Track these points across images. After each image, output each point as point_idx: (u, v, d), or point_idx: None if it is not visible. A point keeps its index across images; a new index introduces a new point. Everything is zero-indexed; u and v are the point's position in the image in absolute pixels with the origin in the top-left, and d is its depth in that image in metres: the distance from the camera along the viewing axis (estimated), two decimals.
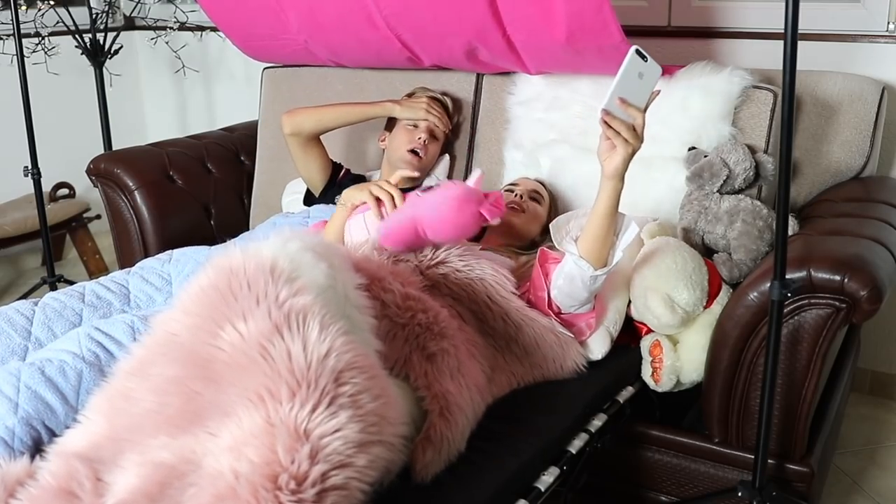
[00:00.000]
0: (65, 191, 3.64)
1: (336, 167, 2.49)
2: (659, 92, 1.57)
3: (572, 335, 1.77)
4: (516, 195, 2.11)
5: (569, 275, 1.68)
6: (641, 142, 1.56)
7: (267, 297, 1.20)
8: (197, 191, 2.74)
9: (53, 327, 1.76)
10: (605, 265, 1.66)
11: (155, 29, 3.70)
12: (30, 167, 2.96)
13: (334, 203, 2.32)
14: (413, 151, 2.32)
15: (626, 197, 2.10)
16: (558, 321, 1.76)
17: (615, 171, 1.58)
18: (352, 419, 1.10)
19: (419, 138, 2.33)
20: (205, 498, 1.05)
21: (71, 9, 3.39)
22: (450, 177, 2.53)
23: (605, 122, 1.52)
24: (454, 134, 2.56)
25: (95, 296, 1.90)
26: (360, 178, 2.46)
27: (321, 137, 2.45)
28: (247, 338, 1.17)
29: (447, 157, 2.53)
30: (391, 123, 2.44)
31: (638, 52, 1.50)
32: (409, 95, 2.46)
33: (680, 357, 1.87)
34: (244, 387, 1.13)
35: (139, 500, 1.09)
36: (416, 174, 2.29)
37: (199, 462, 1.11)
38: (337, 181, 2.44)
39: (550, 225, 1.78)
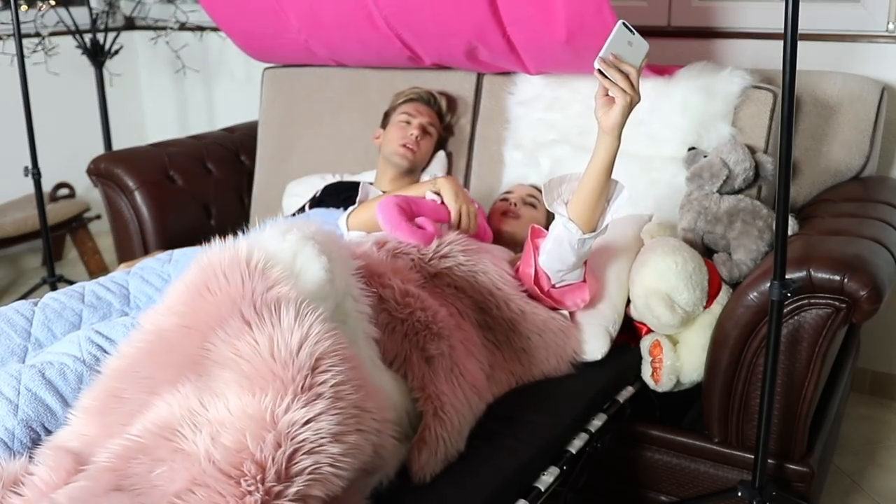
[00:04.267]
0: (65, 191, 3.64)
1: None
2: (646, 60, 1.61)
3: (571, 322, 1.79)
4: (511, 203, 2.13)
5: (557, 238, 1.71)
6: (638, 96, 1.58)
7: (243, 294, 1.21)
8: (197, 191, 2.74)
9: (53, 328, 1.75)
10: (594, 230, 1.68)
11: (155, 29, 3.70)
12: (30, 167, 2.96)
13: (336, 206, 2.33)
14: (405, 147, 2.34)
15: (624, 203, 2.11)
16: (547, 301, 1.78)
17: (614, 123, 1.59)
18: (328, 408, 1.10)
19: (411, 134, 2.34)
20: (180, 482, 1.05)
21: (71, 9, 3.39)
22: (449, 174, 2.53)
23: (601, 74, 1.54)
24: (454, 133, 2.56)
25: (95, 296, 1.90)
26: (340, 185, 2.45)
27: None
28: (223, 338, 1.18)
29: (443, 153, 2.53)
30: (385, 121, 2.46)
31: (625, 24, 1.54)
32: (398, 95, 2.46)
33: (680, 357, 1.87)
34: (226, 379, 1.14)
35: (102, 474, 1.10)
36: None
37: (173, 428, 1.10)
38: (317, 197, 2.44)
39: (543, 185, 1.79)
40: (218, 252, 1.29)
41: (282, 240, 1.30)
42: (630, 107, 1.58)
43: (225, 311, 1.20)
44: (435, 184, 1.96)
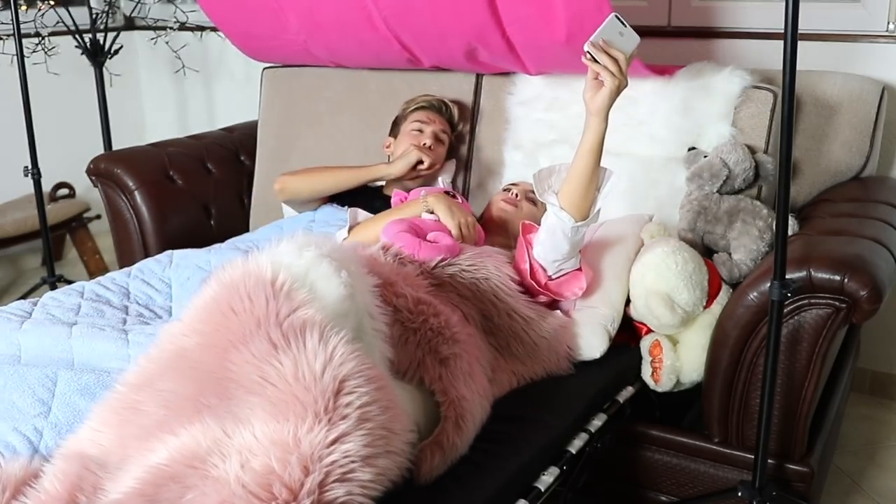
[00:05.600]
0: (65, 191, 3.64)
1: None
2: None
3: (570, 321, 1.80)
4: (513, 193, 2.14)
5: (550, 227, 1.73)
6: (626, 80, 1.62)
7: (267, 315, 1.21)
8: (197, 191, 2.73)
9: (53, 312, 1.77)
10: (585, 217, 1.70)
11: (155, 29, 3.70)
12: (30, 167, 2.96)
13: (342, 205, 2.33)
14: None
15: (626, 197, 2.11)
16: (546, 294, 1.78)
17: (601, 105, 1.63)
18: (354, 429, 1.10)
19: (424, 144, 2.28)
20: None
21: (71, 9, 3.39)
22: (454, 181, 2.50)
23: (591, 58, 1.58)
24: (464, 140, 2.54)
25: (94, 294, 1.91)
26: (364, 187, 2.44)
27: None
28: (248, 359, 1.18)
29: (453, 161, 2.50)
30: (395, 129, 2.43)
31: (617, 16, 1.59)
32: (409, 102, 2.45)
33: (680, 357, 1.87)
34: (252, 404, 1.14)
35: (133, 499, 1.10)
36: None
37: (202, 457, 1.10)
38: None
39: (533, 175, 1.81)
40: (241, 271, 1.28)
41: (298, 256, 1.30)
42: (618, 90, 1.61)
43: (249, 330, 1.20)
44: (426, 202, 1.95)
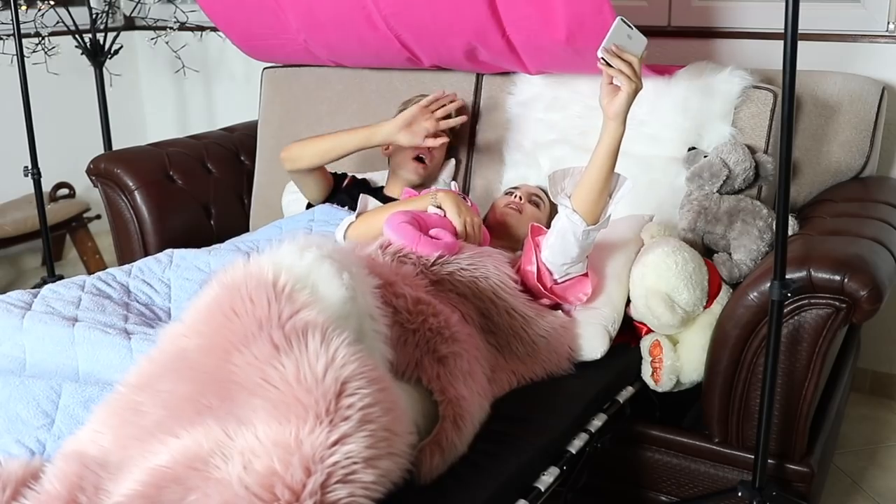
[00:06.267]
0: (65, 191, 3.64)
1: (338, 177, 2.44)
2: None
3: (571, 321, 1.80)
4: (516, 196, 2.13)
5: (561, 230, 1.73)
6: (641, 83, 1.64)
7: (269, 317, 1.20)
8: (197, 191, 2.74)
9: (53, 305, 1.77)
10: (597, 222, 1.72)
11: (155, 29, 3.70)
12: (30, 167, 2.96)
13: (341, 205, 2.32)
14: (418, 158, 2.28)
15: (626, 197, 2.11)
16: (551, 298, 1.78)
17: (619, 109, 1.65)
18: (356, 430, 1.10)
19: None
20: None
21: (71, 9, 3.39)
22: (455, 179, 2.50)
23: (605, 63, 1.61)
24: (456, 137, 2.55)
25: (95, 287, 1.91)
26: (366, 183, 2.44)
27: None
28: (250, 360, 1.17)
29: (453, 160, 2.50)
30: None
31: (623, 20, 1.61)
32: (407, 103, 2.44)
33: (680, 357, 1.87)
34: (254, 406, 1.14)
35: (136, 502, 1.10)
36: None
37: (204, 459, 1.10)
38: (342, 188, 2.42)
39: (547, 176, 1.82)
40: (242, 273, 1.27)
41: (300, 257, 1.29)
42: (634, 93, 1.64)
43: (250, 332, 1.20)
44: (435, 197, 1.95)
